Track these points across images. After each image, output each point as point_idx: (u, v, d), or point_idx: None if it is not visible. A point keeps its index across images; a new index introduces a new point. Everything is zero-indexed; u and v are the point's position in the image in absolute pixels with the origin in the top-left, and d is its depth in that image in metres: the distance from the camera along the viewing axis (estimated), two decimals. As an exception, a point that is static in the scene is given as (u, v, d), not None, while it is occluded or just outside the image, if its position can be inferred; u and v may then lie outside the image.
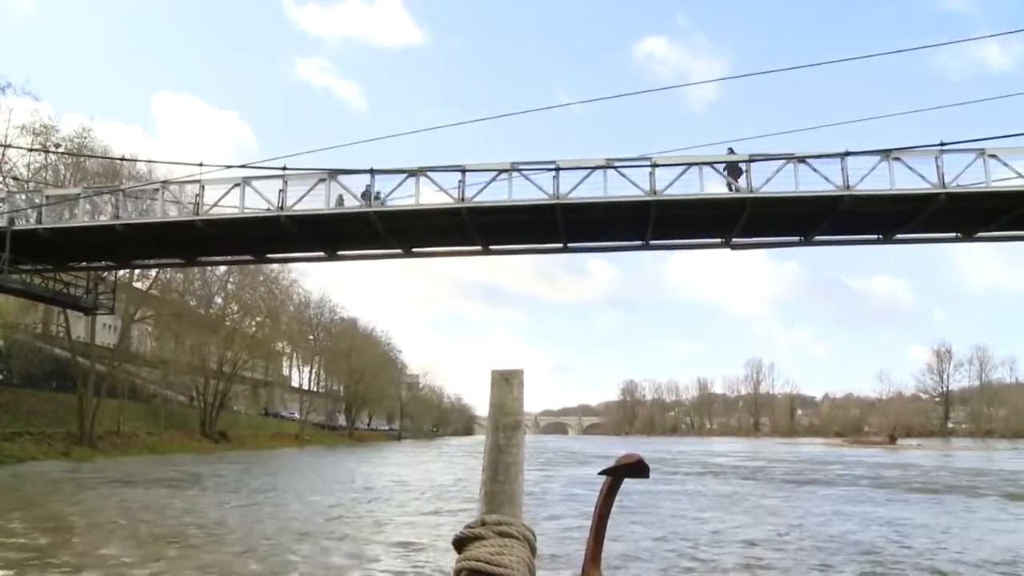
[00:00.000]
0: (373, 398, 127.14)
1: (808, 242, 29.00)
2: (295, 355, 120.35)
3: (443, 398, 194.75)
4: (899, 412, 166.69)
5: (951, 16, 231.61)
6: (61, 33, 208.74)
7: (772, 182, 24.93)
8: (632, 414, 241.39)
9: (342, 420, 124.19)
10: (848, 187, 24.45)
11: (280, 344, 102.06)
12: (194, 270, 73.50)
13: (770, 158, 25.10)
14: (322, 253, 30.55)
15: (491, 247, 29.78)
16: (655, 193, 24.91)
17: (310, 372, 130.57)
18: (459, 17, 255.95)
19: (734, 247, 29.17)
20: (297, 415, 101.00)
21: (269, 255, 32.52)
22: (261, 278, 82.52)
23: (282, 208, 26.27)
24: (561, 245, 29.21)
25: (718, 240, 29.19)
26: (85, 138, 47.30)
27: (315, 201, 26.45)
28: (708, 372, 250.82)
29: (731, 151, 25.66)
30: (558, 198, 25.15)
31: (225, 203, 27.00)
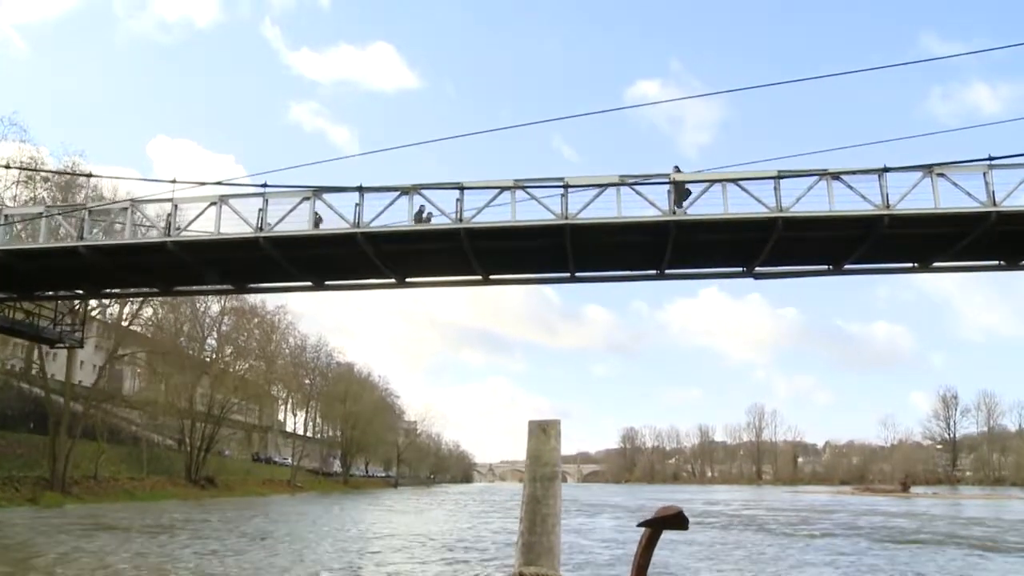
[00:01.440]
0: (369, 444, 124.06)
1: (838, 271, 26.63)
2: (290, 399, 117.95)
3: (441, 445, 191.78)
4: (905, 459, 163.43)
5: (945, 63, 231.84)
6: (56, 78, 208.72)
7: (802, 201, 22.57)
8: (632, 462, 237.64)
9: (337, 466, 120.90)
10: (888, 206, 22.09)
11: (275, 388, 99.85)
12: (185, 309, 71.99)
13: (800, 174, 22.76)
14: (309, 283, 28.22)
15: (492, 276, 27.40)
16: (675, 213, 22.54)
17: (305, 417, 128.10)
18: (453, 62, 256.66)
19: (757, 276, 26.76)
20: (291, 460, 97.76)
21: (251, 285, 30.01)
22: (256, 320, 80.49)
23: (261, 229, 23.86)
24: (568, 275, 26.82)
25: (739, 269, 26.81)
26: (74, 171, 45.38)
27: (299, 222, 24.05)
28: (708, 419, 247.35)
29: (677, 169, 23.38)
30: (567, 218, 22.75)
31: (201, 224, 24.59)
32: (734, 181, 22.65)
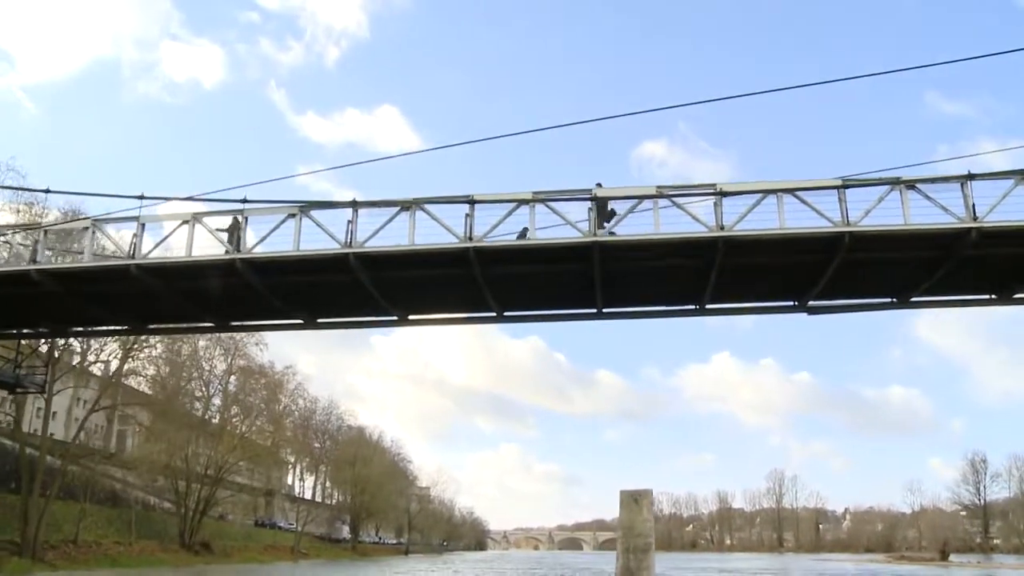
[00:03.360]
0: (379, 509, 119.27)
1: (903, 303, 23.11)
2: (299, 463, 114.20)
3: (454, 511, 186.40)
4: (932, 526, 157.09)
5: (952, 118, 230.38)
6: (62, 138, 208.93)
7: (872, 215, 19.14)
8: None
9: (346, 532, 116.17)
10: (975, 218, 18.62)
11: (284, 451, 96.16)
12: (191, 367, 68.62)
13: (868, 183, 19.39)
14: (299, 321, 24.83)
15: (507, 313, 24.00)
16: (722, 228, 19.11)
17: (315, 481, 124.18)
18: (457, 124, 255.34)
19: (811, 311, 23.25)
20: (295, 526, 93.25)
21: (234, 322, 26.58)
22: (264, 380, 77.23)
23: (239, 250, 20.57)
24: (595, 310, 23.38)
25: (790, 303, 23.29)
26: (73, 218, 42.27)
27: (284, 243, 20.77)
28: (723, 485, 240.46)
29: (599, 186, 20.16)
30: (595, 236, 19.35)
31: (174, 246, 21.36)
32: (791, 192, 19.26)
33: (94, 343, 59.06)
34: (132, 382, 63.54)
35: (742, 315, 24.78)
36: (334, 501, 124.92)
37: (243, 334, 68.84)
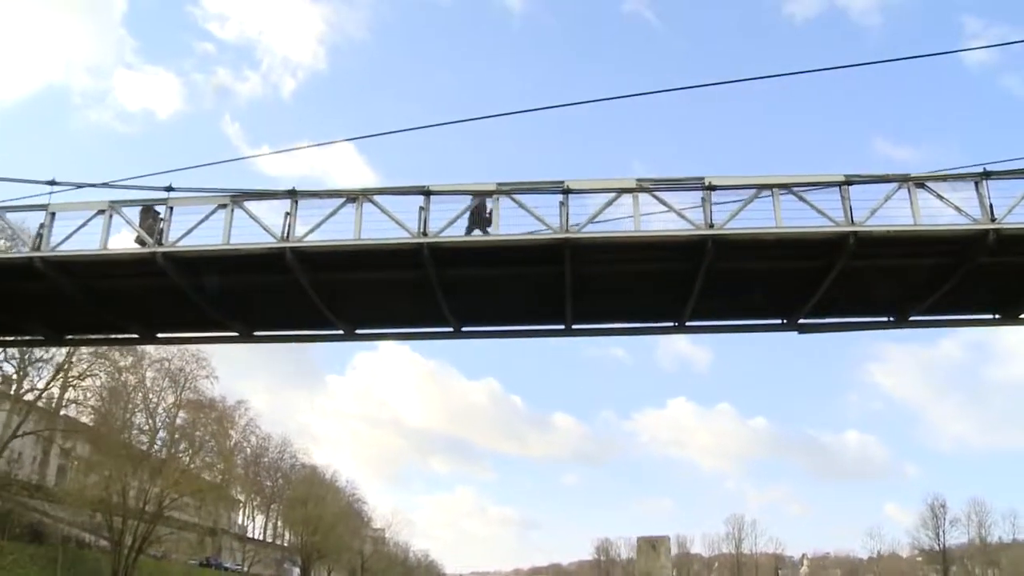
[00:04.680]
0: (332, 550, 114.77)
1: (901, 322, 21.05)
2: (249, 501, 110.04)
3: (409, 554, 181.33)
4: (890, 571, 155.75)
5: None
6: (8, 163, 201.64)
7: (877, 216, 17.07)
8: (607, 573, 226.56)
9: (296, 573, 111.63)
10: (993, 219, 16.61)
11: (234, 489, 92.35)
12: (136, 394, 65.03)
13: (873, 180, 17.36)
14: (235, 333, 22.13)
15: (465, 329, 21.53)
16: (711, 227, 16.89)
17: (265, 521, 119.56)
18: (411, 162, 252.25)
19: (802, 330, 21.08)
20: (242, 566, 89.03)
21: (161, 334, 23.69)
22: (214, 415, 73.87)
23: (161, 243, 17.94)
24: (563, 326, 21.02)
25: (778, 321, 21.12)
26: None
27: (214, 236, 18.21)
28: (683, 530, 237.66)
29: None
30: (567, 232, 17.03)
31: (86, 240, 18.62)
32: (788, 187, 17.15)
33: (29, 369, 56.51)
34: (74, 412, 60.73)
35: (724, 333, 22.50)
36: (286, 541, 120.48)
37: (192, 365, 66.41)
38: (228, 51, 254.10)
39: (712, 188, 17.10)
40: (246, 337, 22.37)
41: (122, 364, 61.44)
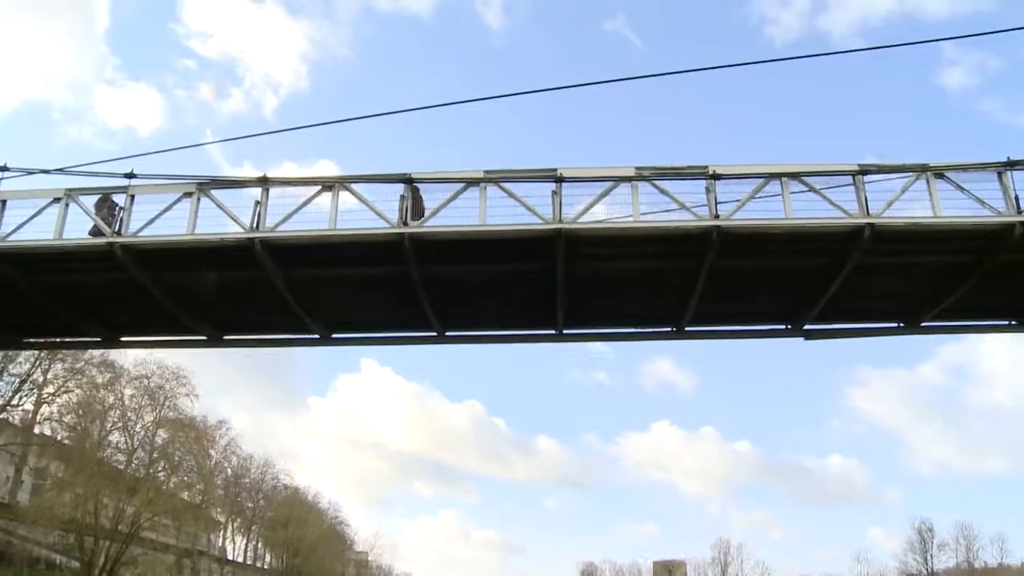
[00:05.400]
0: (313, 573, 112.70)
1: (912, 328, 19.84)
2: (230, 522, 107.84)
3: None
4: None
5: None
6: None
7: (893, 208, 15.85)
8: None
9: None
10: (1020, 211, 15.42)
11: (214, 510, 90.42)
12: (113, 412, 63.28)
13: (890, 170, 16.15)
14: (203, 337, 20.68)
15: (450, 334, 20.20)
16: (717, 217, 15.63)
17: (246, 543, 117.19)
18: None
19: (808, 336, 19.80)
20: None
21: (125, 338, 22.12)
22: (194, 434, 72.16)
23: (119, 233, 16.53)
24: (554, 332, 19.72)
25: (783, 327, 19.85)
26: None
27: (179, 228, 16.81)
28: (668, 554, 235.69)
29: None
30: (560, 223, 15.73)
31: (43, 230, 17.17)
32: (797, 176, 15.94)
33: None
34: (49, 430, 59.10)
35: (724, 339, 21.08)
36: (267, 564, 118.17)
37: (172, 382, 64.94)
38: (210, 68, 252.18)
39: (716, 177, 15.84)
40: (216, 341, 20.94)
41: (99, 381, 60.18)
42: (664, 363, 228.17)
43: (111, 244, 16.24)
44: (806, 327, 19.35)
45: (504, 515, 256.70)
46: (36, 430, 61.12)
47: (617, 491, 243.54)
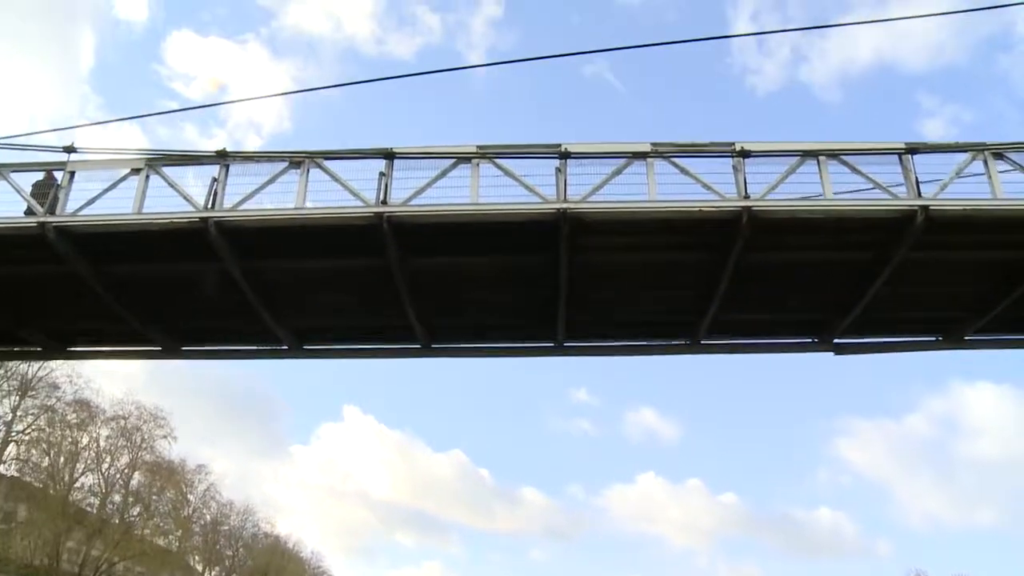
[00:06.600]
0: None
1: (953, 343, 17.62)
2: (208, 571, 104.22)
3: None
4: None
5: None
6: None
7: (948, 190, 13.73)
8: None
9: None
10: (1096, 196, 13.34)
11: (191, 557, 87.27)
12: (87, 456, 60.53)
13: (942, 149, 14.08)
14: (157, 348, 18.36)
15: (436, 346, 17.93)
16: (747, 197, 13.46)
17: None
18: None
19: (839, 351, 17.61)
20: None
21: (70, 347, 19.61)
22: (173, 479, 69.42)
23: (52, 212, 14.25)
24: (552, 344, 17.50)
25: (809, 340, 17.65)
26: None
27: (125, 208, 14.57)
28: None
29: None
30: (565, 202, 13.53)
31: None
32: (836, 155, 13.82)
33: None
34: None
35: (745, 353, 18.74)
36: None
37: (150, 424, 62.84)
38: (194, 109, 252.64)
39: (745, 155, 13.70)
40: (172, 352, 18.59)
41: (73, 420, 57.96)
42: (648, 412, 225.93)
43: (43, 224, 13.91)
44: (836, 340, 17.18)
45: (488, 566, 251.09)
46: (3, 470, 58.44)
47: (604, 543, 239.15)
